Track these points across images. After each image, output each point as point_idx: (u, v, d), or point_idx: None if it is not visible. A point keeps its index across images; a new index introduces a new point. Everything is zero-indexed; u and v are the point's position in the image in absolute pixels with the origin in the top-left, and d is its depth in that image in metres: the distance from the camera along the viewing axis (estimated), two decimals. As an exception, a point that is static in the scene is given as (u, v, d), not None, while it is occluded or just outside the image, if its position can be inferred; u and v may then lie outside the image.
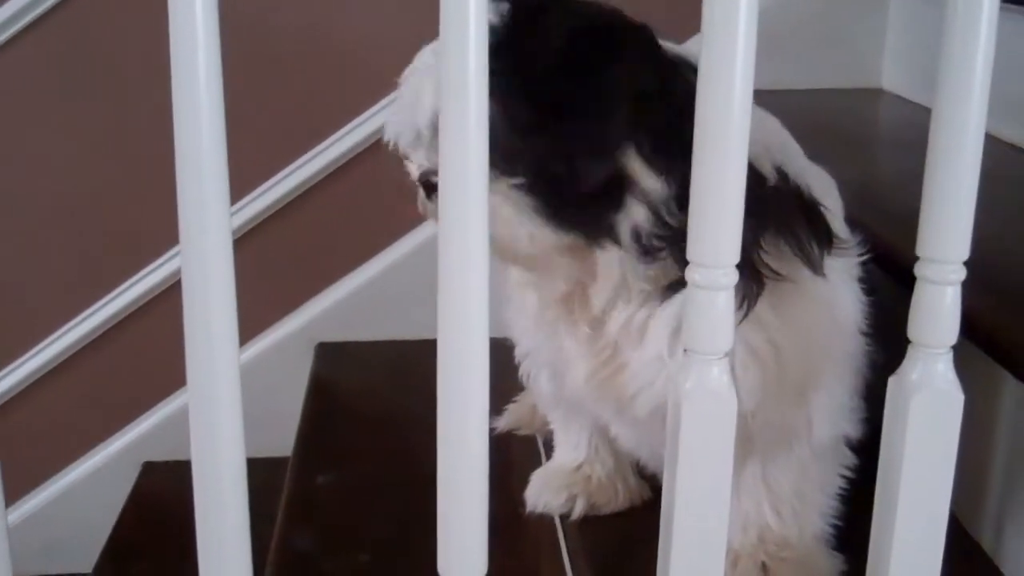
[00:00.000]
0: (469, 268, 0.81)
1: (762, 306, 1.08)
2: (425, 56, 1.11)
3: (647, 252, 1.07)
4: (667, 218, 1.05)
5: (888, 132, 2.12)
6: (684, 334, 0.89)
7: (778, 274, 1.08)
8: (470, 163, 0.78)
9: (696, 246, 0.86)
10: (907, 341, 0.93)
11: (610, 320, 1.15)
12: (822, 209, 1.12)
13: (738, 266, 1.02)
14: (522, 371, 1.34)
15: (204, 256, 0.82)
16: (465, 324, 0.83)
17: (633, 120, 1.04)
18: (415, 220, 2.18)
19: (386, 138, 1.15)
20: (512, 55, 0.98)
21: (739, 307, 1.05)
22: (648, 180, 1.05)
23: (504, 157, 0.99)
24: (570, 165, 1.04)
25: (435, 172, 1.08)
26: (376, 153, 2.17)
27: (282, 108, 2.18)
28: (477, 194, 0.79)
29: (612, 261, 1.10)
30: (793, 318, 1.11)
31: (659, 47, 1.07)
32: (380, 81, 2.09)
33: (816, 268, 1.10)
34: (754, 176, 1.04)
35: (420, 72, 1.10)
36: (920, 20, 2.12)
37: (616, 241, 1.08)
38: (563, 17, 1.06)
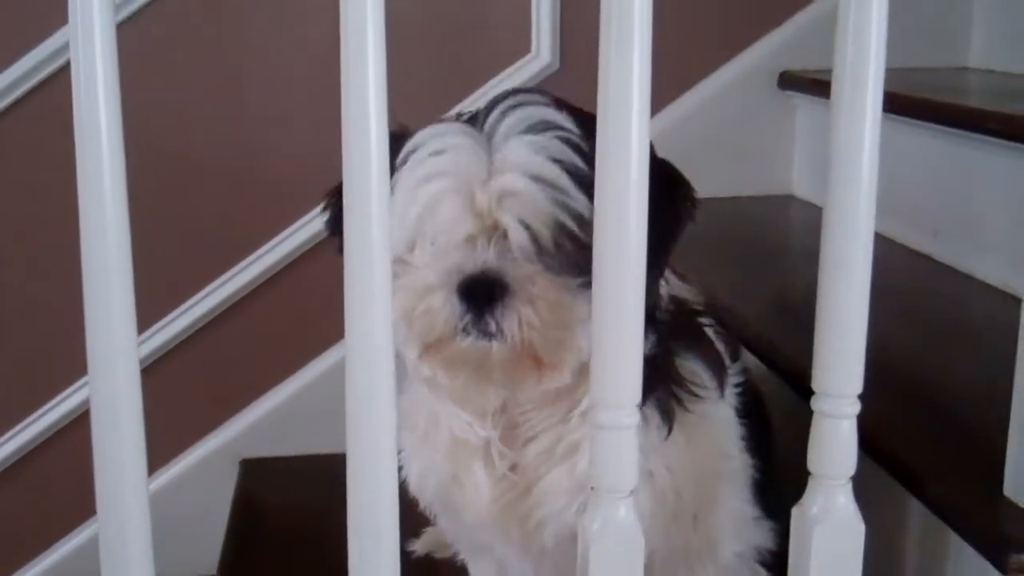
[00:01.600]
0: (376, 384, 0.84)
1: (655, 431, 1.09)
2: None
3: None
4: None
5: (797, 239, 2.16)
6: (591, 473, 0.90)
7: (697, 386, 1.11)
8: (374, 289, 0.81)
9: (598, 386, 0.88)
10: (807, 472, 0.96)
11: (530, 445, 1.14)
12: (712, 327, 1.15)
13: (657, 380, 1.05)
14: (416, 493, 1.28)
15: (114, 388, 0.84)
16: (372, 441, 0.85)
17: None
18: (339, 334, 2.17)
19: None
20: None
21: (663, 422, 1.09)
22: None
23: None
24: None
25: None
26: (302, 265, 2.18)
27: (207, 223, 2.18)
28: (382, 303, 0.83)
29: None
30: (687, 441, 1.12)
31: None
32: (299, 199, 2.15)
33: (723, 389, 1.14)
34: (676, 303, 1.08)
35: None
36: (824, 129, 2.17)
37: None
38: None
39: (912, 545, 1.22)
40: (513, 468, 1.15)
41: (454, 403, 1.15)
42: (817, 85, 2.12)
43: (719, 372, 1.15)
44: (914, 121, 1.78)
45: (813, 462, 0.95)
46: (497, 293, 1.01)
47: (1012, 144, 1.58)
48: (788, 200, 2.28)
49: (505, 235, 1.02)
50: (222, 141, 2.18)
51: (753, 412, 1.24)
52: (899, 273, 1.63)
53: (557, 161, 1.00)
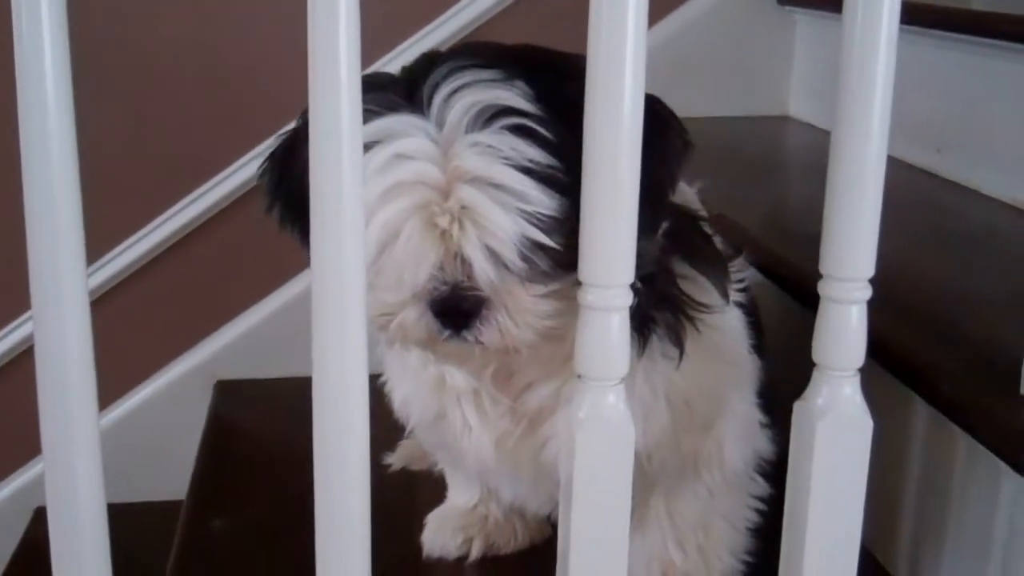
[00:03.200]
0: (345, 301, 0.77)
1: (659, 342, 1.04)
2: None
3: None
4: None
5: (794, 158, 2.11)
6: (576, 359, 0.84)
7: (705, 306, 1.05)
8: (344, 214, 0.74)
9: (588, 264, 0.81)
10: (811, 363, 0.89)
11: (531, 392, 1.09)
12: (712, 234, 1.10)
13: (663, 302, 0.99)
14: (400, 416, 1.25)
15: (57, 321, 0.78)
16: (341, 357, 0.78)
17: None
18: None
19: None
20: (566, 144, 0.90)
21: (673, 346, 1.04)
22: None
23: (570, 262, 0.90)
24: None
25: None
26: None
27: (181, 139, 2.12)
28: (351, 232, 0.76)
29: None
30: (697, 350, 1.07)
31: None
32: (279, 110, 2.07)
33: (727, 296, 1.08)
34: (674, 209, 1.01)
35: None
36: (827, 46, 2.11)
37: None
38: None
39: (917, 450, 1.17)
40: (509, 412, 1.11)
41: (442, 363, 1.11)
42: (818, -1, 2.06)
43: (724, 279, 1.09)
44: (917, 29, 1.71)
45: (818, 352, 0.88)
46: (472, 310, 0.95)
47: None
48: (784, 121, 2.23)
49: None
50: (190, 51, 2.10)
51: (756, 310, 1.20)
52: (901, 189, 1.59)
53: (516, 164, 0.91)
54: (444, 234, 0.93)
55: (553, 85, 0.93)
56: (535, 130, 0.92)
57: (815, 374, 0.89)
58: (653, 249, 0.96)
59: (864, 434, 0.89)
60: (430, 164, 0.92)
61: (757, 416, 1.18)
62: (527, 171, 0.91)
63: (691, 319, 1.05)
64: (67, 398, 0.79)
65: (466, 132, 0.92)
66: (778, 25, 2.20)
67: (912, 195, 1.68)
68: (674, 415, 1.09)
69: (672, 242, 1.02)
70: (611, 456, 0.84)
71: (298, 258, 2.09)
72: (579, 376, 0.84)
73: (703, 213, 1.13)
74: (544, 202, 0.91)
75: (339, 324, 0.78)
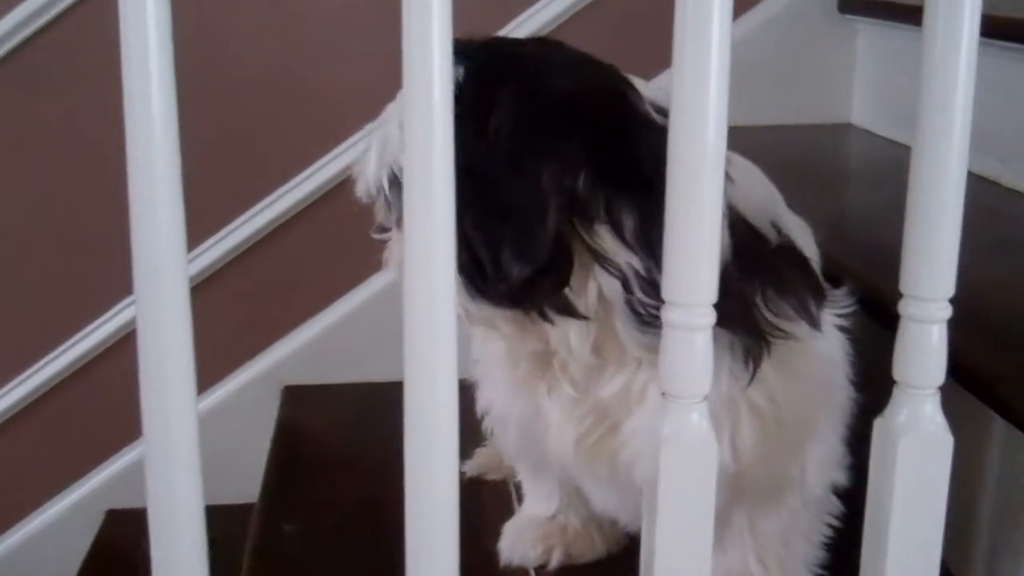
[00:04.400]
0: (436, 310, 0.78)
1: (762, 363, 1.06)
2: (388, 114, 1.08)
3: (644, 321, 1.02)
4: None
5: (859, 168, 2.11)
6: (661, 378, 0.85)
7: (784, 332, 1.06)
8: (435, 212, 0.76)
9: (672, 284, 0.83)
10: (890, 381, 0.90)
11: (599, 384, 1.11)
12: (811, 263, 1.11)
13: (743, 326, 1.02)
14: (485, 425, 1.30)
15: (159, 304, 0.79)
16: (432, 367, 0.80)
17: (582, 210, 1.00)
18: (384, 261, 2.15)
19: (357, 192, 1.12)
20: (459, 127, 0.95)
21: (746, 368, 1.05)
22: (623, 256, 1.01)
23: None
24: (496, 256, 1.00)
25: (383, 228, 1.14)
26: (344, 193, 2.14)
27: (251, 147, 2.15)
28: (444, 235, 0.77)
29: (567, 332, 1.07)
30: (791, 374, 1.09)
31: (627, 113, 1.03)
32: (347, 120, 2.11)
33: (816, 324, 1.09)
34: (754, 235, 1.03)
35: (373, 135, 1.09)
36: (889, 54, 2.11)
37: (573, 314, 1.05)
38: (515, 96, 1.01)
39: (993, 466, 1.17)
40: (594, 410, 1.13)
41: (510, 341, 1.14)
42: (881, 8, 2.06)
43: (814, 303, 1.09)
44: (985, 40, 1.70)
45: (899, 370, 0.89)
46: None
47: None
48: (847, 128, 2.22)
49: None
50: (270, 60, 2.14)
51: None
52: (966, 198, 1.59)
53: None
54: None
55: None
56: None
57: (896, 392, 0.90)
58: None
59: (945, 451, 0.89)
60: None
61: (841, 449, 1.18)
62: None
63: (768, 343, 1.06)
64: (167, 380, 0.81)
65: None
66: (840, 34, 2.21)
67: (977, 205, 1.67)
68: (766, 434, 1.10)
69: (751, 267, 1.03)
70: (695, 472, 0.85)
71: (363, 265, 2.15)
72: (663, 394, 0.85)
73: (804, 243, 1.14)
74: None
75: (429, 326, 0.79)
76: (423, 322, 0.78)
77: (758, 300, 1.04)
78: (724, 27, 0.77)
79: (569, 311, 1.04)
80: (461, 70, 0.99)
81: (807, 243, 1.15)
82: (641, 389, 1.09)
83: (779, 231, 1.08)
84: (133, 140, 0.76)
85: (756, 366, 1.05)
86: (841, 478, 1.20)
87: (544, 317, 1.05)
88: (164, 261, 0.78)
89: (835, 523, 1.22)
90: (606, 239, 1.01)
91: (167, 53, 0.75)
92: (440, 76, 0.74)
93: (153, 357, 0.81)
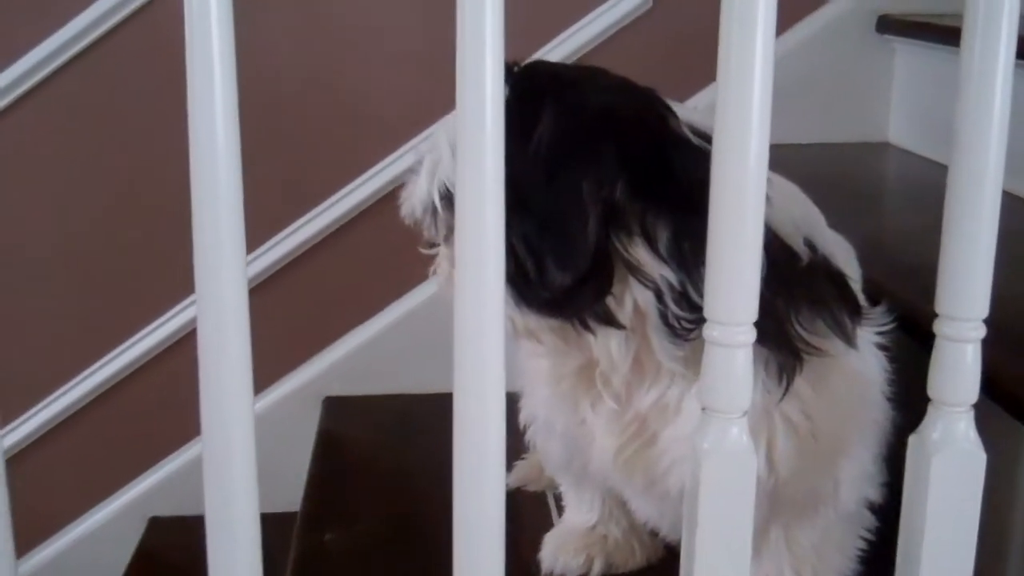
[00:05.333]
0: (486, 327, 0.81)
1: (797, 378, 1.08)
2: (437, 136, 1.11)
3: (676, 333, 1.05)
4: (694, 298, 1.03)
5: (896, 186, 2.12)
6: (701, 392, 0.88)
7: (817, 349, 1.08)
8: (487, 230, 0.79)
9: (713, 303, 0.85)
10: (926, 399, 0.92)
11: (638, 397, 1.14)
12: (849, 281, 1.13)
13: (776, 342, 1.03)
14: (529, 435, 1.32)
15: (221, 304, 0.82)
16: (481, 382, 0.82)
17: (619, 221, 1.03)
18: (423, 273, 2.17)
19: (402, 214, 1.16)
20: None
21: (779, 383, 1.07)
22: (657, 269, 1.03)
23: None
24: (539, 265, 1.04)
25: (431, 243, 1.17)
26: (385, 206, 2.17)
27: (292, 160, 2.18)
28: (494, 252, 0.80)
29: (608, 343, 1.10)
30: (826, 389, 1.11)
31: (664, 131, 1.05)
32: (389, 134, 2.14)
33: (850, 341, 1.10)
34: (788, 253, 1.05)
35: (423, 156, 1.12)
36: (926, 74, 2.12)
37: (612, 324, 1.07)
38: (556, 112, 1.04)
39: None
40: (635, 420, 1.16)
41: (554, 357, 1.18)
42: (919, 28, 2.07)
43: (850, 322, 1.11)
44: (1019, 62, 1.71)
45: (933, 388, 0.91)
46: None
47: None
48: (884, 147, 2.23)
49: None
50: (307, 74, 2.17)
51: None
52: (1005, 219, 1.59)
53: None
54: None
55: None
56: None
57: (930, 409, 0.92)
58: None
59: (978, 468, 0.91)
60: None
61: (871, 467, 1.20)
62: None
63: (802, 360, 1.08)
64: (224, 380, 0.84)
65: None
66: (877, 53, 2.22)
67: (1012, 224, 1.68)
68: (801, 449, 1.11)
69: (785, 284, 1.05)
70: (734, 485, 0.87)
71: (404, 278, 2.18)
72: (703, 409, 0.88)
73: (843, 262, 1.15)
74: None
75: (478, 340, 0.81)
76: (473, 335, 0.81)
77: (791, 317, 1.06)
78: (767, 48, 0.79)
79: (609, 320, 1.06)
80: (507, 89, 1.01)
81: (848, 261, 1.17)
82: (676, 401, 1.12)
83: (814, 249, 1.09)
84: (197, 152, 0.78)
85: (789, 381, 1.07)
86: (874, 495, 1.22)
87: (586, 327, 1.08)
88: (226, 264, 0.81)
89: (869, 536, 1.24)
90: (641, 251, 1.03)
91: (230, 66, 0.77)
92: (492, 101, 0.77)
93: (213, 355, 0.83)
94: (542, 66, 1.14)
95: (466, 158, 0.78)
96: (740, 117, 0.80)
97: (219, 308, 0.82)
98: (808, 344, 1.07)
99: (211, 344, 0.83)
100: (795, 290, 1.06)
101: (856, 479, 1.18)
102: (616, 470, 1.19)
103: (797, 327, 1.07)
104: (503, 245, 0.80)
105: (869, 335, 1.15)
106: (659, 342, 1.07)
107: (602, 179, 1.01)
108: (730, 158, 0.81)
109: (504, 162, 0.79)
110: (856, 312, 1.12)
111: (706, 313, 0.85)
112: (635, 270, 1.03)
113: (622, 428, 1.16)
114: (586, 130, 1.03)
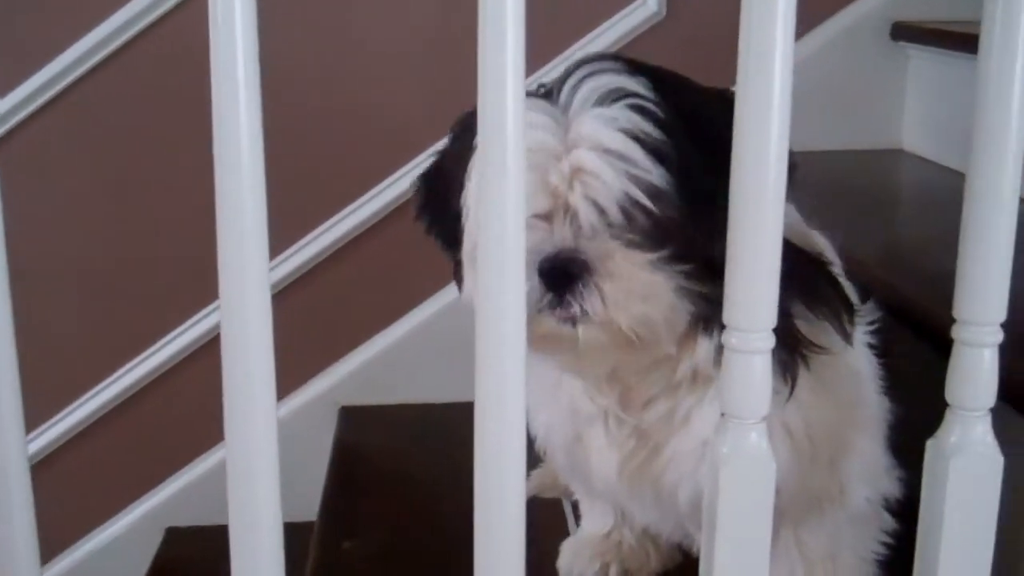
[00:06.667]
0: (506, 340, 0.82)
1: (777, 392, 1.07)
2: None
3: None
4: None
5: (911, 193, 2.12)
6: (721, 398, 0.88)
7: (820, 347, 1.08)
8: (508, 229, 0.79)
9: (732, 310, 0.85)
10: (943, 403, 0.92)
11: (648, 410, 1.13)
12: (840, 278, 1.13)
13: (783, 341, 1.02)
14: (538, 445, 1.31)
15: (245, 309, 0.83)
16: (502, 392, 0.83)
17: None
18: (439, 283, 2.18)
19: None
20: (680, 133, 0.98)
21: (784, 383, 1.06)
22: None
23: (667, 235, 1.00)
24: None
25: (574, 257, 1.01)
26: (400, 217, 2.18)
27: (308, 171, 2.19)
28: (515, 267, 0.80)
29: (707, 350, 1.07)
30: (821, 389, 1.11)
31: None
32: (405, 144, 2.14)
33: (849, 339, 1.11)
34: (788, 249, 1.05)
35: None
36: (941, 81, 2.13)
37: None
38: (716, 104, 1.01)
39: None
40: (635, 434, 1.15)
41: (565, 372, 1.16)
42: (934, 36, 2.07)
43: (847, 318, 1.12)
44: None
45: (951, 392, 0.91)
46: (575, 271, 1.00)
47: None
48: (898, 154, 2.23)
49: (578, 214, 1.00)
50: (330, 86, 2.19)
51: (890, 352, 1.21)
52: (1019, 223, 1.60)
53: (629, 133, 0.98)
54: (556, 192, 1.00)
55: (673, 87, 1.02)
56: (653, 111, 0.98)
57: (948, 414, 0.92)
58: None
59: (995, 471, 0.92)
60: (547, 134, 0.99)
61: (883, 460, 1.20)
62: (638, 140, 0.97)
63: (805, 358, 1.07)
64: (250, 383, 0.84)
65: (588, 108, 0.99)
66: (891, 60, 2.22)
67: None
68: (797, 451, 1.11)
69: (788, 282, 1.05)
70: (753, 491, 0.88)
71: (418, 288, 2.18)
72: (722, 415, 0.88)
73: (829, 257, 1.16)
74: (655, 172, 0.97)
75: (499, 353, 0.82)
76: (495, 345, 0.82)
77: (795, 313, 1.06)
78: (787, 56, 0.80)
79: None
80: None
81: (833, 258, 1.17)
82: (686, 414, 1.12)
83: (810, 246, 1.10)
84: (221, 162, 0.79)
85: (794, 381, 1.06)
86: (891, 489, 1.21)
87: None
88: (250, 269, 0.82)
89: (887, 539, 1.24)
90: None
91: (254, 75, 0.79)
92: (513, 116, 0.77)
93: (237, 361, 0.84)
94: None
95: (487, 190, 0.79)
96: (760, 124, 0.81)
97: (243, 314, 0.83)
98: (811, 342, 1.07)
99: (235, 348, 0.84)
100: (797, 287, 1.05)
101: (862, 476, 1.18)
102: (621, 485, 1.18)
103: (800, 324, 1.07)
104: (523, 255, 0.81)
105: (859, 333, 1.16)
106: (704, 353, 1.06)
107: None
108: (749, 165, 0.82)
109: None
110: (851, 309, 1.12)
111: (725, 319, 0.86)
112: None
113: (623, 440, 1.16)
114: None
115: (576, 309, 1.00)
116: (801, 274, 1.06)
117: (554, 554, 1.44)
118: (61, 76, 2.13)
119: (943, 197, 1.81)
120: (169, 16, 2.10)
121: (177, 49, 2.06)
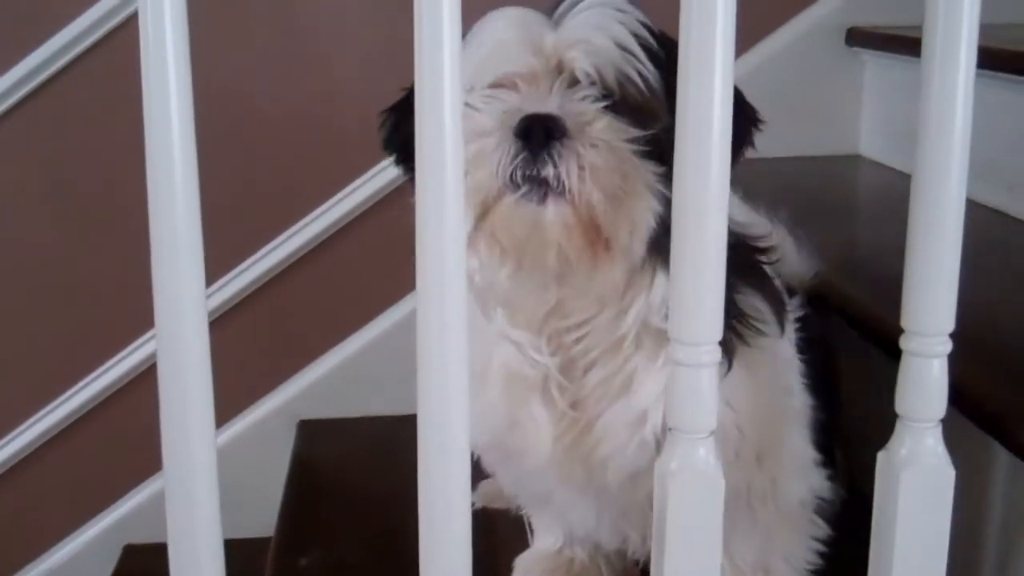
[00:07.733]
0: (448, 343, 0.81)
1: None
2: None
3: None
4: None
5: (867, 198, 2.12)
6: (668, 413, 0.87)
7: (756, 320, 1.08)
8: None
9: (678, 323, 0.84)
10: (894, 414, 0.92)
11: (590, 373, 1.10)
12: (770, 271, 1.14)
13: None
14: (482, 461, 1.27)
15: (179, 339, 0.82)
16: (444, 398, 0.83)
17: None
18: (395, 295, 2.17)
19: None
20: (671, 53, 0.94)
21: (724, 359, 1.04)
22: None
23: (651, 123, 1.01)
24: None
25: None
26: (358, 227, 2.16)
27: (263, 184, 2.17)
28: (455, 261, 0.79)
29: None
30: (747, 379, 1.09)
31: None
32: (355, 161, 2.13)
33: (782, 327, 1.12)
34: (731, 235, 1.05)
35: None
36: (896, 86, 2.13)
37: None
38: None
39: (998, 494, 1.18)
40: (573, 404, 1.11)
41: (504, 309, 1.10)
42: (888, 41, 2.08)
43: (779, 308, 1.13)
44: (990, 73, 1.72)
45: (901, 404, 0.91)
46: (556, 133, 0.97)
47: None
48: (855, 160, 2.24)
49: (567, 81, 1.00)
50: (284, 97, 2.17)
51: (812, 351, 1.21)
52: (972, 229, 1.61)
53: (628, 29, 1.00)
54: (547, 53, 1.01)
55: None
56: (648, 25, 1.02)
57: (898, 425, 0.92)
58: None
59: (947, 483, 0.91)
60: (542, 17, 1.02)
61: (812, 455, 1.19)
62: (637, 38, 1.00)
63: (742, 336, 1.07)
64: (187, 411, 0.84)
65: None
66: (847, 65, 2.22)
67: (983, 235, 1.69)
68: (725, 440, 1.08)
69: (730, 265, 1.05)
70: (702, 505, 0.87)
71: (375, 301, 2.17)
72: (670, 429, 0.87)
73: (766, 244, 1.17)
74: (648, 67, 1.00)
75: (441, 351, 0.83)
76: (436, 351, 0.83)
77: (736, 291, 1.06)
78: (727, 64, 0.79)
79: None
80: None
81: (779, 241, 1.20)
82: (627, 378, 1.08)
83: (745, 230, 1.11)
84: (154, 186, 0.78)
85: (730, 361, 1.05)
86: (820, 487, 1.21)
87: None
88: (184, 298, 0.81)
89: (822, 549, 1.23)
90: None
91: (186, 101, 0.77)
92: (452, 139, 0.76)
93: (173, 390, 0.83)
94: None
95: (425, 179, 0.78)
96: (699, 134, 0.80)
97: (179, 340, 0.82)
98: (751, 316, 1.07)
99: (172, 374, 0.83)
100: (739, 270, 1.04)
101: (796, 469, 1.18)
102: (553, 462, 1.14)
103: (742, 307, 1.07)
104: (463, 260, 0.80)
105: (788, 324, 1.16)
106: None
107: None
108: (690, 178, 0.81)
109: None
110: (781, 299, 1.14)
111: (671, 334, 0.85)
112: None
113: (558, 416, 1.11)
114: None
115: (550, 172, 0.97)
116: (743, 257, 1.08)
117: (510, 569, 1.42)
118: (3, 97, 2.11)
119: (899, 202, 1.81)
120: (119, 31, 2.08)
121: (118, 68, 2.03)
